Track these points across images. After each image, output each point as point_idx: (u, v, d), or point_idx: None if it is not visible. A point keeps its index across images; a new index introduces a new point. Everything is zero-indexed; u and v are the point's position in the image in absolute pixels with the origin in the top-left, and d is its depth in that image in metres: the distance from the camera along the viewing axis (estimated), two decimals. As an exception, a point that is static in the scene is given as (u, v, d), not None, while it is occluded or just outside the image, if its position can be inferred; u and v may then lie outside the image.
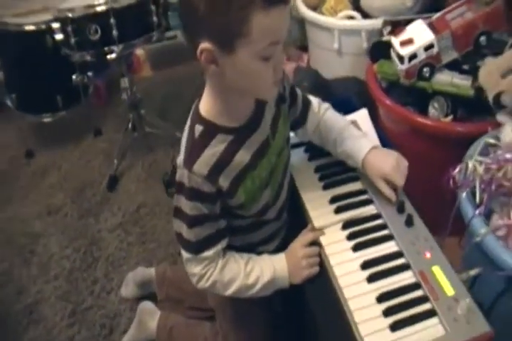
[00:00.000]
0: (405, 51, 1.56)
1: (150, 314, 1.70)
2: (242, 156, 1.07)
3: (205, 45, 0.90)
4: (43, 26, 2.23)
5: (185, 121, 2.09)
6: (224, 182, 1.05)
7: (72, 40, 2.04)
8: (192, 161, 1.03)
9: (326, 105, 1.34)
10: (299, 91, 1.29)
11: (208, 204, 1.07)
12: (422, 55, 1.57)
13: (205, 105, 1.06)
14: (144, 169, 2.47)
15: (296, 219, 1.28)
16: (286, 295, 1.30)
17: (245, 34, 0.88)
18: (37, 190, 2.43)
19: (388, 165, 1.21)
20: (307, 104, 1.31)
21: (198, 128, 1.05)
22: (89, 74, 2.44)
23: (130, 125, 2.45)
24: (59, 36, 2.09)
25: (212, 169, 1.03)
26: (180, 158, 1.06)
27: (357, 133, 1.29)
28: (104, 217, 2.25)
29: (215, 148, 1.04)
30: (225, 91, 1.03)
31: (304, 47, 2.55)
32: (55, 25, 2.08)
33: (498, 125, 1.36)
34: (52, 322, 1.86)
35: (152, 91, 2.85)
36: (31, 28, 2.27)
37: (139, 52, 2.81)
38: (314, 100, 1.33)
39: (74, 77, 2.39)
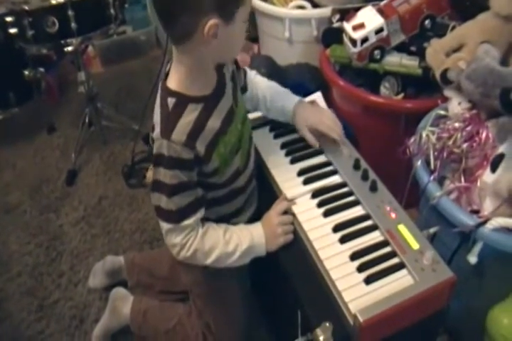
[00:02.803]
0: (358, 35, 1.66)
1: (123, 299, 1.71)
2: (214, 123, 1.14)
3: (213, 21, 0.98)
4: (-6, 20, 2.19)
5: (141, 113, 2.14)
6: (200, 147, 1.12)
7: (29, 34, 2.02)
8: (170, 131, 1.09)
9: (254, 71, 1.46)
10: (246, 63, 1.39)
11: (187, 171, 1.13)
12: (373, 38, 1.67)
13: (175, 80, 1.13)
14: (103, 162, 2.47)
15: (266, 194, 1.36)
16: (259, 266, 1.37)
17: (243, 2, 1.00)
18: (-9, 189, 2.40)
19: (313, 117, 1.35)
20: (245, 72, 1.42)
21: (171, 101, 1.11)
22: (41, 69, 2.42)
23: (87, 119, 2.45)
24: (13, 30, 2.05)
25: (189, 136, 1.10)
26: (156, 132, 1.11)
27: (285, 90, 1.42)
28: (65, 212, 2.24)
29: (189, 117, 1.11)
30: (201, 63, 1.11)
31: (254, 39, 2.62)
32: (9, 19, 2.04)
33: (446, 100, 1.48)
34: (18, 319, 1.85)
35: (105, 86, 2.85)
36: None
37: (89, 48, 2.80)
38: (246, 69, 1.45)
39: (26, 72, 2.36)
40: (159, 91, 1.16)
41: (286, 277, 1.23)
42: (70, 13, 2.00)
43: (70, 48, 2.09)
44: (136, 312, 1.66)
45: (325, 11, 2.03)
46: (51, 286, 1.95)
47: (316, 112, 1.39)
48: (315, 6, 2.15)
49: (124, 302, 1.70)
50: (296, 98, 1.40)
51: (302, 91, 1.61)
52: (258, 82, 1.43)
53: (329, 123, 1.35)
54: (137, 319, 1.66)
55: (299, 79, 1.98)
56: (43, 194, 2.34)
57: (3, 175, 2.47)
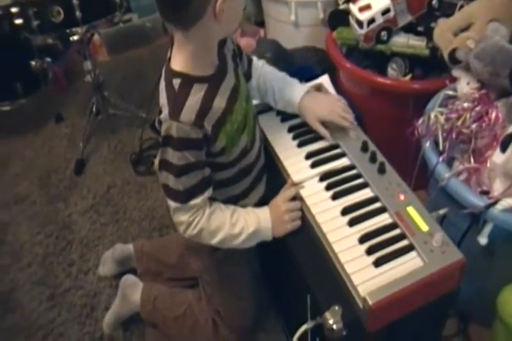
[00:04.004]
0: (364, 16, 1.64)
1: (133, 286, 1.71)
2: (219, 102, 1.14)
3: None
4: (0, 12, 2.19)
5: (148, 101, 2.13)
6: (208, 126, 1.12)
7: (34, 24, 2.01)
8: (178, 111, 1.09)
9: (262, 61, 1.44)
10: (252, 47, 1.37)
11: (195, 151, 1.13)
12: (380, 19, 1.65)
13: (179, 62, 1.12)
14: (110, 150, 2.47)
15: (274, 177, 1.35)
16: (268, 250, 1.37)
17: None
18: (1, 180, 2.40)
19: (323, 108, 1.33)
20: (250, 60, 1.40)
21: (176, 82, 1.11)
22: (48, 59, 2.43)
23: (94, 108, 2.45)
24: (18, 20, 2.06)
25: (197, 115, 1.10)
26: (164, 114, 1.11)
27: (292, 81, 1.40)
28: (73, 201, 2.25)
29: (196, 97, 1.11)
30: (208, 43, 1.12)
31: (260, 23, 2.61)
32: (14, 10, 2.05)
33: (454, 80, 1.45)
34: (30, 308, 1.86)
35: (111, 74, 2.84)
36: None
37: (95, 37, 2.79)
38: (254, 57, 1.43)
39: (33, 62, 2.37)
40: (163, 74, 1.16)
41: (295, 261, 1.22)
42: (75, 1, 1.99)
43: (75, 37, 2.08)
44: (146, 299, 1.67)
45: (331, -7, 2.01)
46: (62, 275, 1.96)
47: (324, 102, 1.36)
48: (321, -12, 2.13)
49: (134, 290, 1.71)
50: (302, 90, 1.36)
51: (309, 74, 1.60)
52: (266, 73, 1.40)
53: (340, 111, 1.33)
54: (147, 306, 1.66)
55: (306, 63, 1.97)
56: (51, 184, 2.35)
57: (12, 166, 2.47)
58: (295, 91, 1.36)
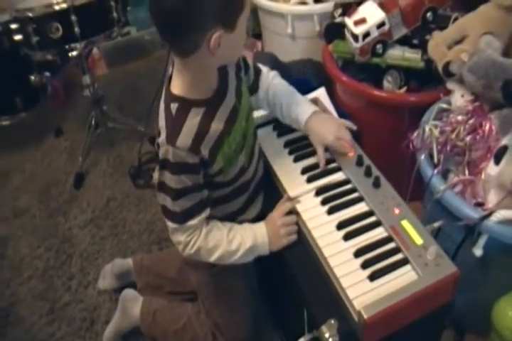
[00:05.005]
0: (359, 30, 1.65)
1: (133, 300, 1.72)
2: (217, 125, 1.14)
3: (217, 33, 0.99)
4: (0, 28, 2.21)
5: (146, 114, 2.15)
6: (205, 150, 1.13)
7: (33, 40, 2.03)
8: (175, 137, 1.09)
9: (274, 72, 1.43)
10: (249, 61, 1.37)
11: (192, 175, 1.14)
12: (375, 33, 1.66)
13: (178, 85, 1.13)
14: (110, 164, 2.48)
15: (270, 192, 1.36)
16: (266, 264, 1.37)
17: (243, 7, 1.01)
18: (1, 194, 2.41)
19: (330, 134, 1.31)
20: (258, 72, 1.40)
21: (174, 106, 1.11)
22: (47, 74, 2.44)
23: (93, 121, 2.46)
24: (18, 37, 2.08)
25: (194, 141, 1.10)
26: (162, 137, 1.12)
27: (301, 98, 1.39)
28: (73, 215, 2.25)
29: (193, 121, 1.11)
30: (205, 71, 1.11)
31: (257, 35, 2.63)
32: (14, 26, 2.07)
33: (449, 92, 1.46)
34: (30, 322, 1.86)
35: (110, 87, 2.86)
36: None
37: (94, 50, 2.81)
38: (264, 68, 1.43)
39: (32, 77, 2.39)
40: (163, 95, 1.16)
41: (291, 275, 1.23)
42: (73, 18, 2.02)
43: (74, 53, 2.10)
44: (145, 312, 1.67)
45: (327, 6, 2.03)
46: (61, 289, 1.96)
47: (331, 127, 1.33)
48: (317, 1, 2.15)
49: (133, 304, 1.71)
50: (310, 109, 1.35)
51: (306, 87, 1.61)
52: (276, 86, 1.39)
53: (344, 138, 1.32)
54: (147, 319, 1.66)
55: (303, 75, 1.98)
56: (51, 197, 2.36)
57: (12, 180, 2.48)
58: (302, 110, 1.35)
